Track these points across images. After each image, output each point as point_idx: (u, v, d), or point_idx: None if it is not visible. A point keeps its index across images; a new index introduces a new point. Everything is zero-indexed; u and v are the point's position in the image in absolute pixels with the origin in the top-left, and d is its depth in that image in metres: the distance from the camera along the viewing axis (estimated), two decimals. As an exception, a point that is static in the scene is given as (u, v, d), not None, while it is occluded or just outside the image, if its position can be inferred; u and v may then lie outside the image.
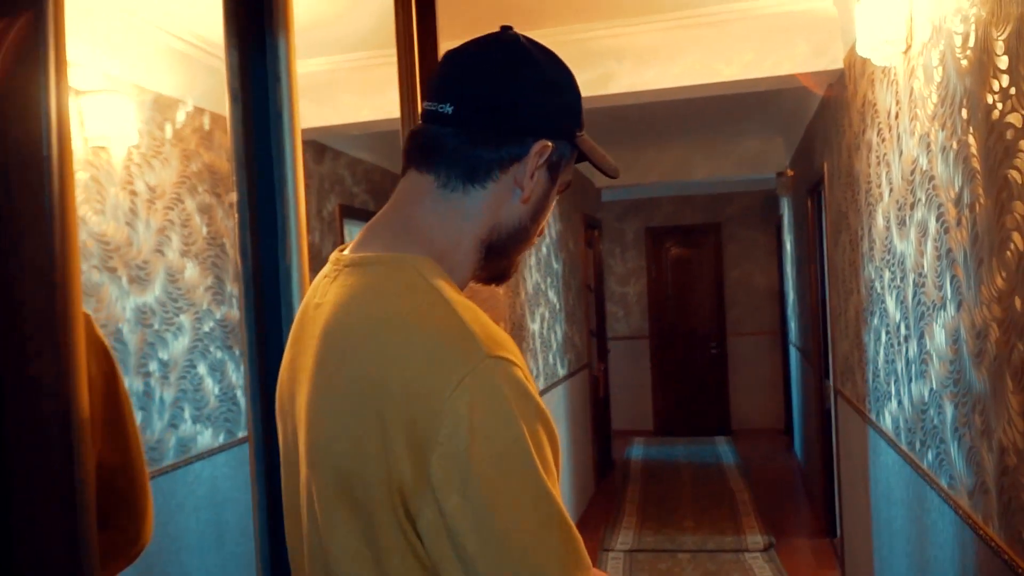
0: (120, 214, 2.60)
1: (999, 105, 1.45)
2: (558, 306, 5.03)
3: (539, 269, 4.54)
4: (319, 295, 0.89)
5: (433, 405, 0.74)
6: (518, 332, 4.02)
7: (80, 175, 2.42)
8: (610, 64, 3.31)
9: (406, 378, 0.76)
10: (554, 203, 0.98)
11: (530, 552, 0.74)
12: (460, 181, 0.89)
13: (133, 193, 2.67)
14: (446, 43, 1.22)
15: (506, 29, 0.94)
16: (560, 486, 0.82)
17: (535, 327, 4.38)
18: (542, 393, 4.50)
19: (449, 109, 0.88)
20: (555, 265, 5.00)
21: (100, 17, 2.50)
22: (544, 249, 4.71)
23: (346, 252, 0.91)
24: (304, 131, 1.34)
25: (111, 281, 2.54)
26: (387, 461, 0.75)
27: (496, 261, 0.95)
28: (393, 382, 0.76)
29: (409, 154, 0.93)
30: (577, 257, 5.87)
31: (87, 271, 2.42)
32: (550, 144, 0.90)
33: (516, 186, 0.91)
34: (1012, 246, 1.41)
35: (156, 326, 2.73)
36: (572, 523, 0.79)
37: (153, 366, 2.70)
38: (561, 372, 5.05)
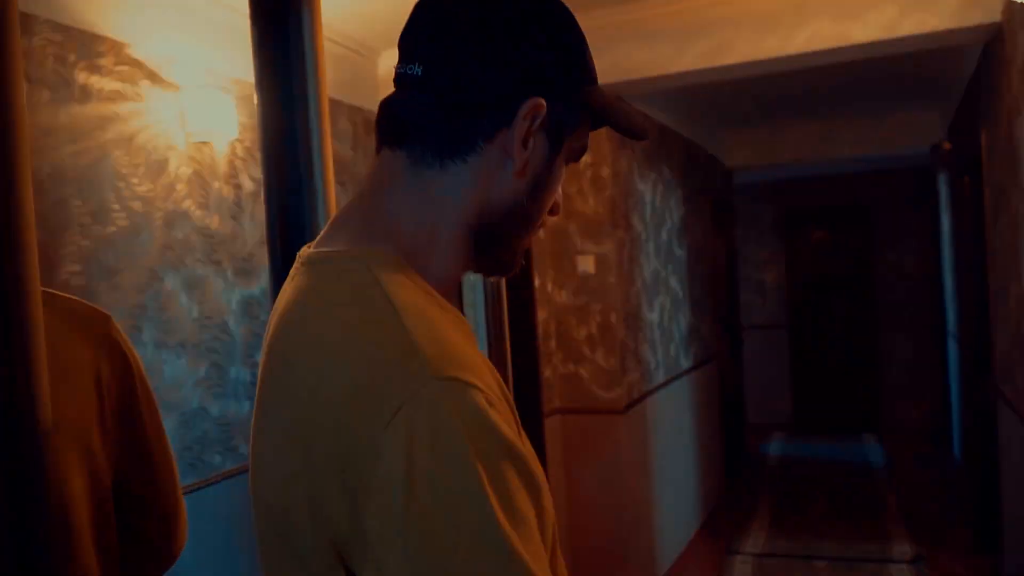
0: (224, 208, 2.63)
1: None
2: (681, 294, 4.77)
3: (658, 256, 4.31)
4: (279, 299, 0.76)
5: (366, 441, 0.60)
6: (634, 323, 3.82)
7: (183, 170, 2.45)
8: (726, 32, 3.04)
9: (336, 407, 0.62)
10: (562, 176, 0.81)
11: None
12: (435, 157, 0.74)
13: (237, 187, 2.69)
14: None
15: None
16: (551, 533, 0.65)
17: (653, 317, 4.16)
18: (663, 386, 4.28)
19: (418, 70, 0.73)
20: (677, 252, 4.74)
21: (198, 11, 2.53)
22: (664, 234, 4.47)
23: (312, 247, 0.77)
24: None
25: (216, 274, 2.57)
26: (318, 507, 0.62)
27: (493, 250, 0.79)
28: (322, 412, 0.63)
29: (380, 129, 0.77)
30: (704, 242, 5.57)
31: (191, 265, 2.45)
32: (543, 103, 0.73)
33: (507, 157, 0.74)
34: None
35: (262, 317, 2.76)
36: None
37: (259, 356, 2.73)
38: (685, 364, 4.80)
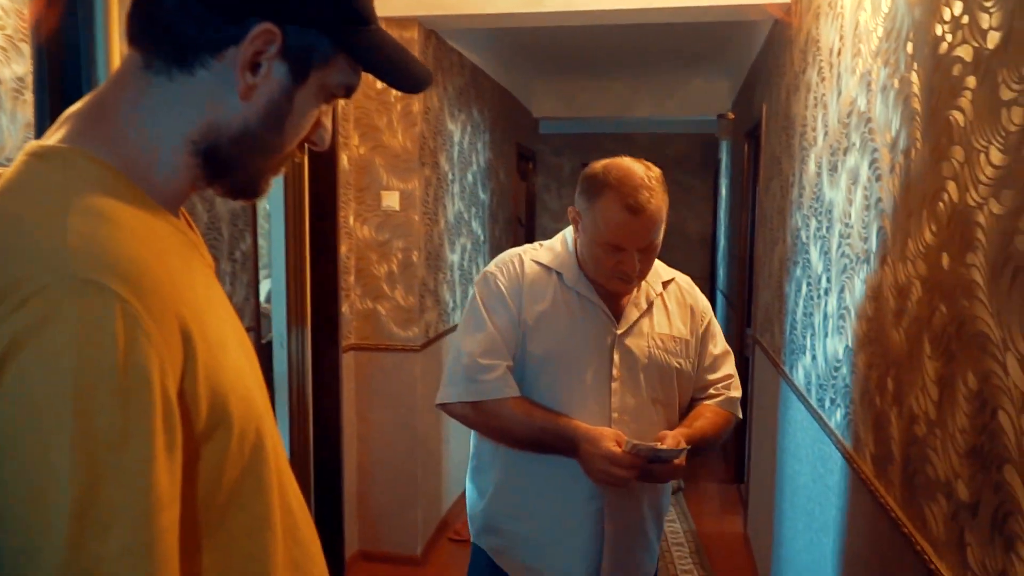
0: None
1: (948, 37, 1.29)
2: (482, 238, 4.83)
3: (462, 197, 4.32)
4: None
5: None
6: (435, 263, 3.82)
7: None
8: (545, -22, 3.05)
9: None
10: (314, 110, 0.78)
11: (25, 531, 0.58)
12: (164, 63, 0.71)
13: (-3, 80, 2.35)
14: None
15: None
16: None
17: (455, 258, 4.18)
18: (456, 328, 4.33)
19: None
20: (482, 195, 4.79)
21: None
22: (470, 177, 4.48)
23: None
24: None
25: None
26: None
27: (225, 173, 0.77)
28: None
29: (127, 21, 0.73)
30: (508, 189, 5.66)
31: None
32: (275, 30, 0.71)
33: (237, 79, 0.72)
34: (946, 197, 1.27)
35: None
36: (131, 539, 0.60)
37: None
38: (482, 306, 4.88)
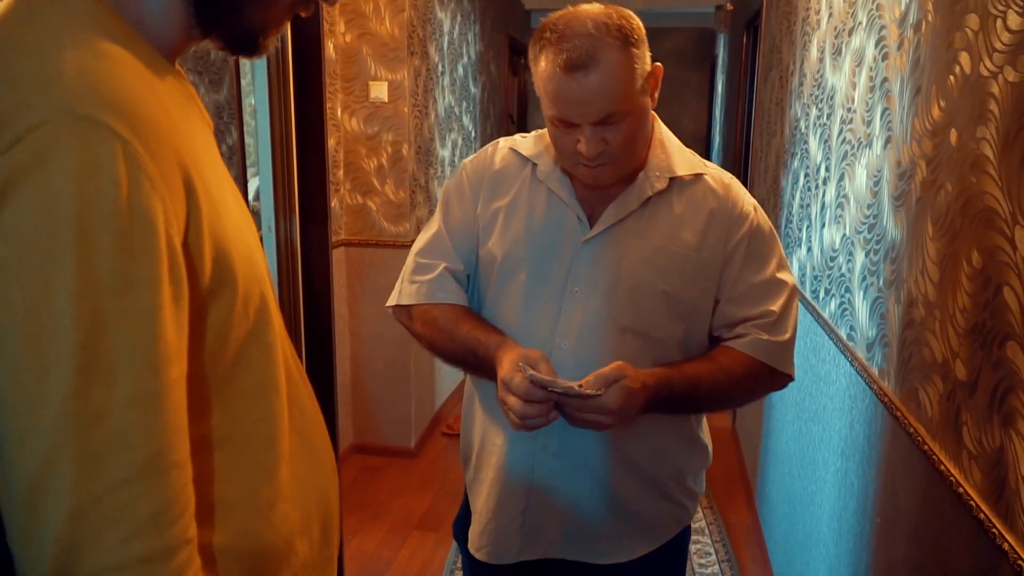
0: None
1: None
2: (473, 134, 4.73)
3: (453, 91, 4.20)
4: None
5: None
6: (426, 157, 3.74)
7: None
8: None
9: None
10: None
11: (27, 377, 0.56)
12: None
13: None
14: None
15: None
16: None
17: (445, 153, 4.10)
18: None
19: None
20: (472, 89, 4.65)
21: None
22: (461, 70, 4.34)
23: None
24: None
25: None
26: None
27: (223, 21, 0.72)
28: None
29: None
30: (500, 83, 5.51)
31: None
32: None
33: None
34: (957, 70, 1.21)
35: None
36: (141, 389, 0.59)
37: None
38: (473, 204, 4.83)
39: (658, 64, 1.23)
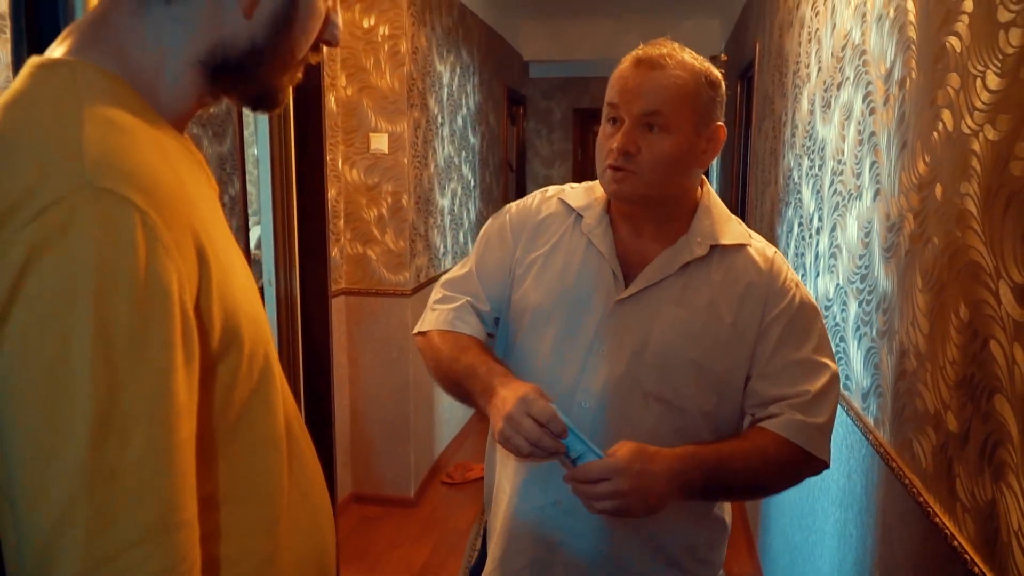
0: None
1: (947, -40, 1.25)
2: (473, 183, 4.78)
3: (452, 141, 4.26)
4: None
5: (4, 235, 0.58)
6: (425, 207, 3.79)
7: None
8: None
9: (1, 199, 0.60)
10: (323, 10, 0.77)
11: (44, 436, 0.58)
12: None
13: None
14: None
15: None
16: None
17: (445, 202, 4.14)
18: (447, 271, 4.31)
19: None
20: (472, 139, 4.72)
21: None
22: (460, 120, 4.42)
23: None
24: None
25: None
26: None
27: (240, 87, 0.76)
28: None
29: None
30: (498, 133, 5.59)
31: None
32: None
33: None
34: (940, 127, 1.24)
35: None
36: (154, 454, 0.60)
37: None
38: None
39: (722, 125, 1.22)
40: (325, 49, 0.82)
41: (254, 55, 0.73)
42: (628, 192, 1.20)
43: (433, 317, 1.36)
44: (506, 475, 1.35)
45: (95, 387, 0.58)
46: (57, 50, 0.70)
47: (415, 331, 1.41)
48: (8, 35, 2.08)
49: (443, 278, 1.41)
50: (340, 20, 0.81)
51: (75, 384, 0.57)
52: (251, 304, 0.77)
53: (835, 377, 1.23)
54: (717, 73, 1.20)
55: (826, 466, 1.24)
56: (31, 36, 1.58)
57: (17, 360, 0.58)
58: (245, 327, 0.73)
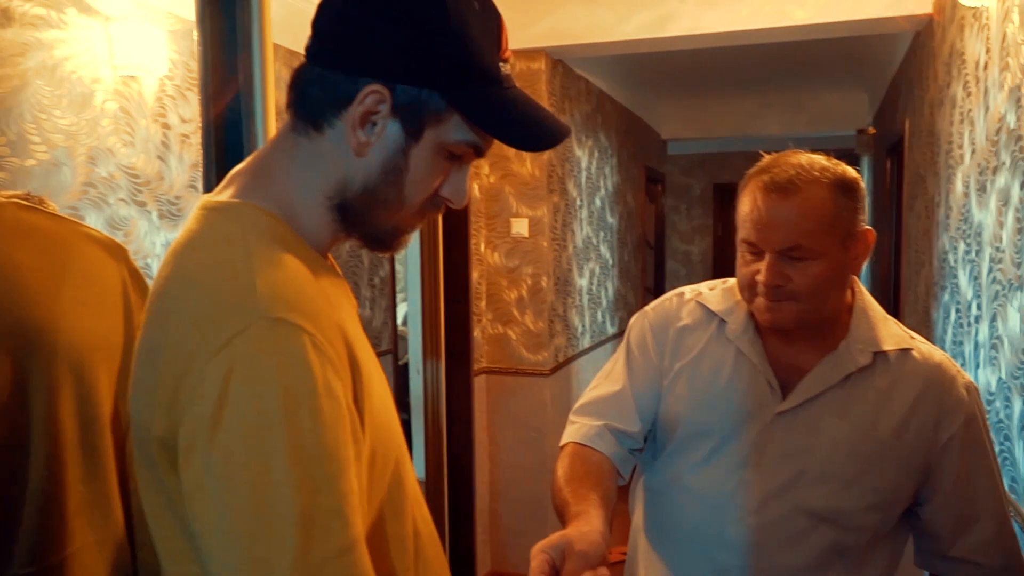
0: (151, 147, 2.52)
1: (1106, 52, 1.21)
2: (611, 262, 4.84)
3: (590, 222, 4.35)
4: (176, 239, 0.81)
5: (198, 365, 0.67)
6: (564, 287, 3.87)
7: (109, 105, 2.34)
8: (670, 4, 3.06)
9: (183, 333, 0.70)
10: (440, 170, 0.80)
11: (257, 544, 0.65)
12: (303, 124, 0.79)
13: (166, 126, 2.58)
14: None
15: None
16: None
17: (583, 283, 4.21)
18: (589, 351, 4.35)
19: (310, 39, 0.79)
20: (609, 219, 4.80)
21: (130, -61, 2.39)
22: (598, 201, 4.51)
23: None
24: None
25: (140, 216, 2.48)
26: (155, 418, 0.70)
27: (359, 226, 0.82)
28: (173, 337, 0.70)
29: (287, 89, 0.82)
30: (636, 211, 5.64)
31: (114, 204, 2.36)
32: (384, 91, 0.75)
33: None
34: (1107, 222, 1.18)
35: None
36: (338, 535, 0.67)
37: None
38: (611, 330, 4.89)
39: (870, 229, 1.15)
40: None
41: (367, 196, 0.79)
42: (787, 321, 1.15)
43: (573, 430, 1.30)
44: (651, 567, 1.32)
45: (298, 493, 0.65)
46: (225, 192, 0.80)
47: (560, 444, 1.32)
48: (195, 140, 2.33)
49: (594, 381, 1.34)
50: (467, 185, 0.84)
51: (279, 493, 0.64)
52: (387, 412, 0.83)
53: (1003, 503, 1.18)
54: (853, 174, 1.15)
55: None
56: (218, 144, 1.80)
57: (223, 477, 0.65)
58: (377, 437, 0.79)
